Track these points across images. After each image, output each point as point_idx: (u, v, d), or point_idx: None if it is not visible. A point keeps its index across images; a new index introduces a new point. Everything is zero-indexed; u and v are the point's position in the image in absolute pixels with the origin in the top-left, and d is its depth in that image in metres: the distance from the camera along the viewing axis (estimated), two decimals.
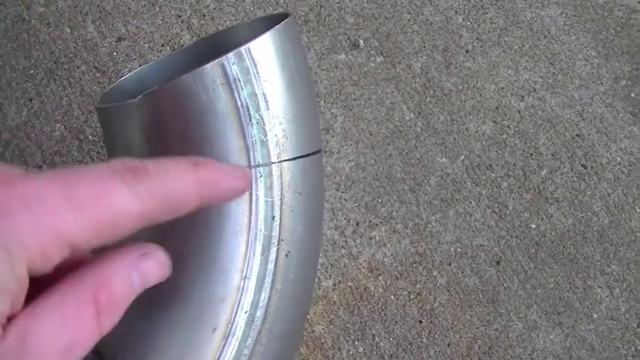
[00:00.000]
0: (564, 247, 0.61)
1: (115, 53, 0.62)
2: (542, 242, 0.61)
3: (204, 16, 0.65)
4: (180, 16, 0.65)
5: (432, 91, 0.65)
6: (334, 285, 0.56)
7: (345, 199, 0.59)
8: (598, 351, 0.57)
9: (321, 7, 0.68)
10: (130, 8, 0.64)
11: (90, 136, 0.59)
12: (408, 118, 0.64)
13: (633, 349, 0.58)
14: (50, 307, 0.23)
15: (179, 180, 0.25)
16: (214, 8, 0.66)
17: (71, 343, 0.23)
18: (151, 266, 0.26)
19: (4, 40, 0.61)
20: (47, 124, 0.58)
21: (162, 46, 0.63)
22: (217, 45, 0.49)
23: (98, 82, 0.61)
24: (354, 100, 0.64)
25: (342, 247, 0.58)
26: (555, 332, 0.57)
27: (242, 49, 0.37)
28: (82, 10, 0.64)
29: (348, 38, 0.67)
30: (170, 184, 0.25)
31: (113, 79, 0.61)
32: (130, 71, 0.61)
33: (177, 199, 0.25)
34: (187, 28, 0.64)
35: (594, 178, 0.64)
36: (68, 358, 0.23)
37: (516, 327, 0.57)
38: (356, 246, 0.58)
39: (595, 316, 0.58)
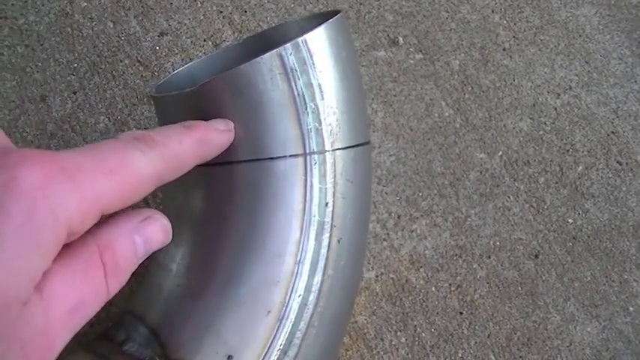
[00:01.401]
0: (600, 241, 0.61)
1: (157, 47, 0.63)
2: (579, 236, 0.61)
3: (246, 12, 0.66)
4: (221, 12, 0.66)
5: (470, 88, 0.66)
6: (376, 276, 0.57)
7: (386, 193, 0.60)
8: (634, 343, 0.58)
9: (360, 4, 0.69)
10: (172, 4, 0.65)
11: (134, 129, 0.60)
12: (447, 114, 0.65)
13: None
14: (61, 268, 0.24)
15: (180, 142, 0.29)
16: (255, 4, 0.67)
17: (79, 303, 0.24)
18: (154, 230, 0.28)
19: (48, 34, 0.62)
20: (91, 116, 0.59)
21: (205, 41, 0.64)
22: (266, 42, 0.50)
23: (141, 75, 0.62)
24: (394, 96, 0.65)
25: (384, 239, 0.58)
26: (592, 325, 0.58)
27: (299, 40, 0.38)
28: (125, 5, 0.65)
29: (388, 35, 0.68)
30: (174, 147, 0.29)
31: (156, 73, 0.62)
32: (173, 65, 0.62)
33: (181, 159, 0.29)
34: (229, 24, 0.65)
35: (629, 174, 0.65)
36: (76, 317, 0.24)
37: (554, 319, 0.58)
38: (397, 239, 0.59)
39: (631, 309, 0.59)
